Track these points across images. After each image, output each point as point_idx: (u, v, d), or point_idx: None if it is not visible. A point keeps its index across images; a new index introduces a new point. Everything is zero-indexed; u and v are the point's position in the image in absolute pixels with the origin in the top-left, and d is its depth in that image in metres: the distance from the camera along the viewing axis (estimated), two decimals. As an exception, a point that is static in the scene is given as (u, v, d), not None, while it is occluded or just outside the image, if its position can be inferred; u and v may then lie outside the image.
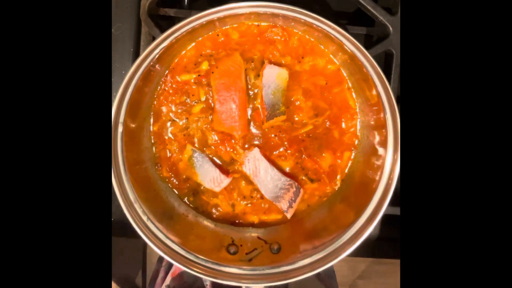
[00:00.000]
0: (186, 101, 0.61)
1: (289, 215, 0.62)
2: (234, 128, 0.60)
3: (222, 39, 0.61)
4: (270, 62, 0.60)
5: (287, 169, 0.63)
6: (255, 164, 0.61)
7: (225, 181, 0.61)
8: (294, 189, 0.61)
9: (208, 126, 0.62)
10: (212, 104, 0.61)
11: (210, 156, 0.62)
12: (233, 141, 0.62)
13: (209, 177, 0.61)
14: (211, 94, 0.61)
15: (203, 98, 0.61)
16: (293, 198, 0.61)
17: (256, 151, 0.61)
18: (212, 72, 0.60)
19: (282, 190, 0.61)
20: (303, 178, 0.63)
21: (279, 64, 0.60)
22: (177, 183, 0.63)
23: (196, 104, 0.61)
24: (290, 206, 0.61)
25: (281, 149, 0.62)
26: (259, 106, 0.61)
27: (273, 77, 0.59)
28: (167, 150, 0.62)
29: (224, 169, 0.62)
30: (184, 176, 0.63)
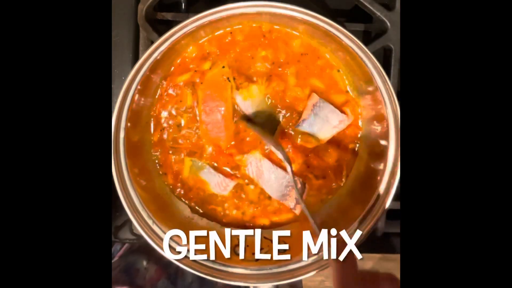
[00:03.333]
0: (181, 109, 0.62)
1: (297, 211, 0.62)
2: (220, 138, 0.60)
3: (228, 39, 0.61)
4: (237, 89, 0.60)
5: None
6: (257, 166, 0.61)
7: (231, 183, 0.61)
8: (299, 185, 0.60)
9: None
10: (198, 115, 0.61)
11: (212, 163, 0.62)
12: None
13: (214, 183, 0.61)
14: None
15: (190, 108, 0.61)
16: (300, 195, 0.60)
17: (256, 153, 0.61)
18: (201, 83, 0.60)
19: (288, 188, 0.60)
20: (308, 175, 0.63)
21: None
22: (182, 192, 0.63)
23: (185, 112, 0.61)
24: (298, 203, 0.61)
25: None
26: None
27: (248, 99, 0.60)
28: (171, 158, 0.62)
29: (227, 173, 0.62)
30: (190, 185, 0.63)
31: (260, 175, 0.61)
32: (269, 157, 0.62)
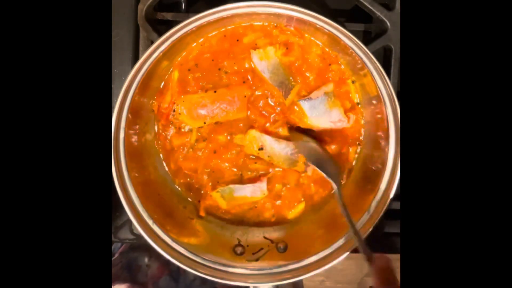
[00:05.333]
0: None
1: (309, 172, 0.62)
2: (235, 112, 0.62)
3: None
4: (254, 49, 0.61)
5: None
6: (257, 143, 0.61)
7: (263, 185, 0.62)
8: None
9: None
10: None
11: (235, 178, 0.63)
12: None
13: (250, 194, 0.62)
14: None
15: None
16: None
17: (253, 132, 0.61)
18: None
19: (294, 154, 0.61)
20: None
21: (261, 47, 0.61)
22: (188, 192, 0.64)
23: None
24: (307, 165, 0.62)
25: (273, 116, 0.62)
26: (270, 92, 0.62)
27: (264, 60, 0.60)
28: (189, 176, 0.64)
29: (254, 179, 0.63)
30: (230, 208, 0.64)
31: (265, 150, 0.61)
32: (267, 131, 0.62)
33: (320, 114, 0.61)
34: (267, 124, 0.62)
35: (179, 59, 0.61)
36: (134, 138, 0.58)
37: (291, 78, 0.61)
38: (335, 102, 0.60)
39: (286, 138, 0.62)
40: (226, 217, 0.64)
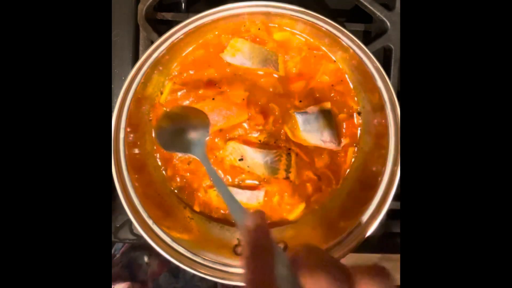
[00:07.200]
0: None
1: (292, 177, 0.62)
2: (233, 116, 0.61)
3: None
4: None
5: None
6: (237, 153, 0.61)
7: (260, 194, 0.62)
8: (285, 156, 0.61)
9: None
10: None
11: (234, 182, 0.63)
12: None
13: (245, 199, 0.62)
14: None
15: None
16: (288, 164, 0.61)
17: (232, 143, 0.61)
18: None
19: (274, 162, 0.61)
20: (306, 173, 0.63)
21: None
22: (185, 194, 0.64)
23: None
24: (289, 172, 0.61)
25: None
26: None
27: (237, 53, 0.60)
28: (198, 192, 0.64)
29: (253, 187, 0.63)
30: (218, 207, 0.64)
31: (245, 160, 0.61)
32: (248, 141, 0.62)
33: (312, 130, 0.61)
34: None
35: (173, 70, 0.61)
36: (134, 139, 0.58)
37: (270, 51, 0.61)
38: (331, 122, 0.61)
39: (268, 146, 0.62)
40: (215, 216, 0.64)
